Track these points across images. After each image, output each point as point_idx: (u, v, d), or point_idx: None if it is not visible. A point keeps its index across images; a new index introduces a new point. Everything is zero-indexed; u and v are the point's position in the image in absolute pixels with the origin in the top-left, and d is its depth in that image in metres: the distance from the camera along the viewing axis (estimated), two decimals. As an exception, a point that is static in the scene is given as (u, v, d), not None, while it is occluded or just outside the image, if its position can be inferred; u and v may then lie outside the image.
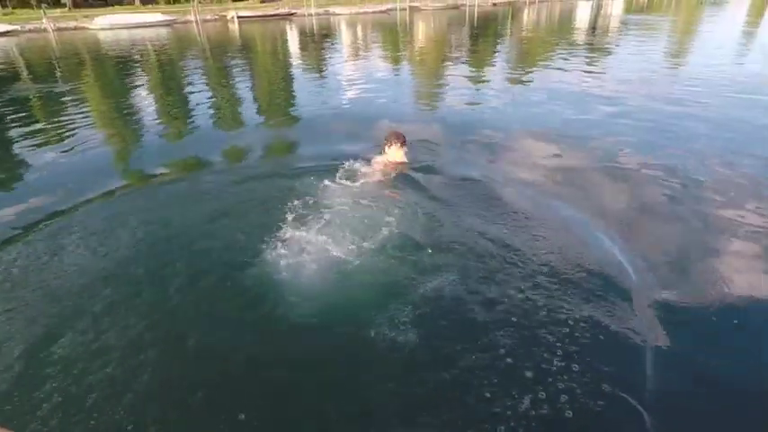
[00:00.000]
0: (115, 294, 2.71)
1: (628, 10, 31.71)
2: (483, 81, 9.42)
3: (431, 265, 2.79)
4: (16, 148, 6.02)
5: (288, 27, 26.82)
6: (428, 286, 2.61)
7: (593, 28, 20.14)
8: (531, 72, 10.04)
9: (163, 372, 2.20)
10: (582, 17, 27.45)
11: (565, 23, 23.59)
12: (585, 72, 9.53)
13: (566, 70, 9.70)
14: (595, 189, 3.99)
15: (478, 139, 5.35)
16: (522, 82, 9.05)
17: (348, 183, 3.91)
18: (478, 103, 7.33)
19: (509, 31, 20.81)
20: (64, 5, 41.30)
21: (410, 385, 2.02)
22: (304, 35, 22.72)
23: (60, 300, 2.68)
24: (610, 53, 12.48)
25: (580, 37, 16.85)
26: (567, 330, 2.26)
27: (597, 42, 15.13)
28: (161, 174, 4.86)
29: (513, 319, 2.34)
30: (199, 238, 3.27)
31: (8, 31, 31.04)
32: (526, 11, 33.68)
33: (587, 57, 11.81)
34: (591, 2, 39.60)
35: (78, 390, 2.08)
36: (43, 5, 35.80)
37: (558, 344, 2.18)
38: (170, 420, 1.96)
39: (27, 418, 1.96)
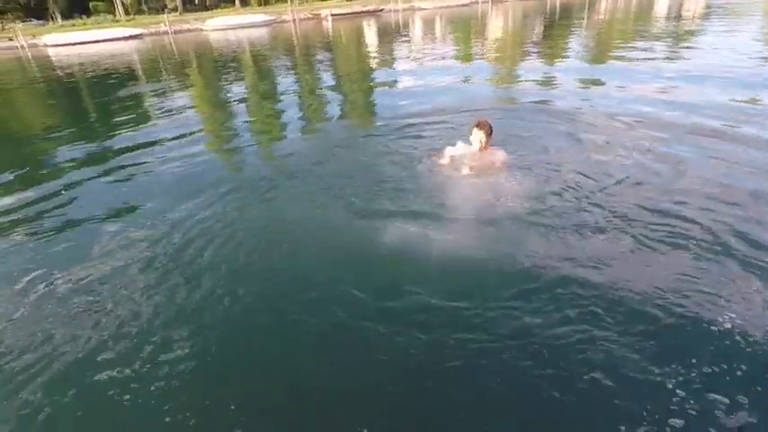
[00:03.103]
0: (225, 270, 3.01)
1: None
2: (567, 71, 9.63)
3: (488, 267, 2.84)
4: (125, 136, 6.89)
5: (366, 24, 29.17)
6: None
7: (677, 16, 20.67)
8: (621, 61, 10.42)
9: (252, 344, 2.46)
10: (662, 3, 27.75)
11: (647, 10, 24.28)
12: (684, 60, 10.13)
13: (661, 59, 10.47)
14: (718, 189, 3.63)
15: (567, 130, 5.32)
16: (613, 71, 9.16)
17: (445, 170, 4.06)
18: (578, 92, 7.43)
19: (597, 19, 21.98)
20: (173, 10, 47.05)
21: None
22: (394, 30, 24.81)
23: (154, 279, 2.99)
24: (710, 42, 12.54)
25: (668, 26, 17.67)
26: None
27: (688, 29, 16.04)
28: (257, 158, 5.48)
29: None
30: (287, 225, 3.59)
31: (137, 35, 36.46)
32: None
33: (685, 45, 12.89)
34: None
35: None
36: (166, 11, 41.37)
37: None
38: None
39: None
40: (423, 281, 2.75)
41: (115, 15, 45.36)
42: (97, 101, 11.00)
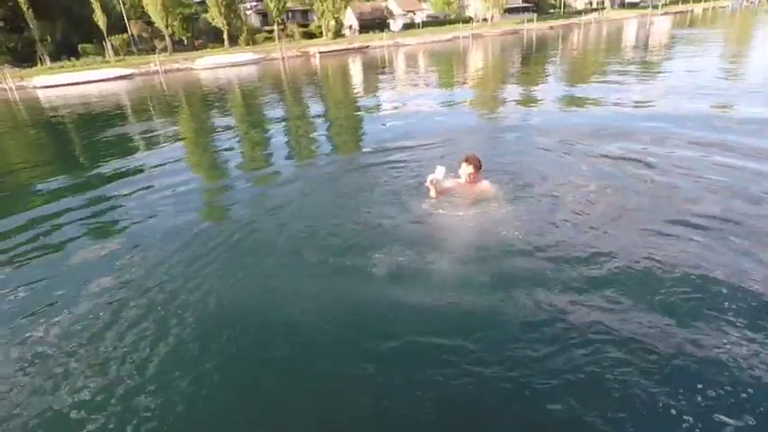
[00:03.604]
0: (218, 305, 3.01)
1: (680, 25, 33.48)
2: (540, 99, 10.00)
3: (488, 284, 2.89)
4: (119, 176, 6.70)
5: (351, 60, 30.44)
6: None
7: (645, 44, 22.17)
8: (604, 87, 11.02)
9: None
10: (631, 34, 29.65)
11: (618, 41, 25.84)
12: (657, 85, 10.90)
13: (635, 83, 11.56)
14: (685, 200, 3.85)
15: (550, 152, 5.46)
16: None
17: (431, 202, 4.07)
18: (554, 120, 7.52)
19: (571, 49, 23.33)
20: (163, 50, 48.24)
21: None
22: (379, 65, 25.75)
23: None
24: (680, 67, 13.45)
25: (638, 53, 18.95)
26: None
27: (657, 56, 17.19)
28: (243, 195, 5.34)
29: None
30: (279, 257, 3.55)
31: (127, 75, 37.05)
32: (576, 31, 36.31)
33: (656, 71, 13.87)
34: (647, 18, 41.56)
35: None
36: (157, 51, 42.40)
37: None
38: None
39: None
40: (419, 315, 2.71)
41: (105, 57, 46.19)
42: (86, 142, 10.81)
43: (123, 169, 7.12)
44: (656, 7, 55.87)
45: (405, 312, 2.76)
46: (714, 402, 2.00)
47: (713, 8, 59.23)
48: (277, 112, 12.76)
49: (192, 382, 2.41)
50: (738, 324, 2.41)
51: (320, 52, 36.04)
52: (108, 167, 7.35)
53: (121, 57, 46.62)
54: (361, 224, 3.94)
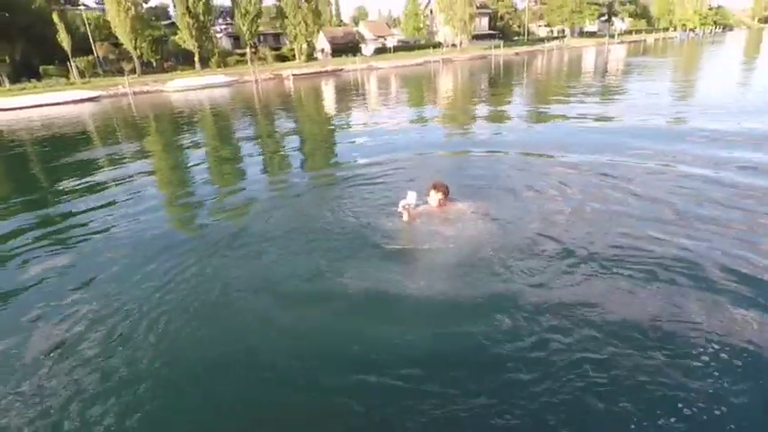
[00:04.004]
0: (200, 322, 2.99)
1: (634, 53, 35.85)
2: (508, 119, 10.40)
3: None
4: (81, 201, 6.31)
5: (324, 83, 30.58)
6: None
7: (604, 69, 23.65)
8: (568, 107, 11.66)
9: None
10: (591, 60, 31.52)
11: (580, 67, 27.36)
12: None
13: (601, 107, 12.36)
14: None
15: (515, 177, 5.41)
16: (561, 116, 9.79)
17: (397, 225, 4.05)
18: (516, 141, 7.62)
19: (536, 73, 24.51)
20: (132, 72, 47.43)
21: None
22: (353, 87, 26.10)
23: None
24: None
25: (599, 77, 20.17)
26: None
27: (617, 82, 18.36)
28: (216, 220, 5.02)
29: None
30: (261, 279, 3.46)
31: (95, 97, 36.04)
32: (540, 57, 38.25)
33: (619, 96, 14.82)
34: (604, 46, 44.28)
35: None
36: (126, 73, 41.63)
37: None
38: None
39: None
40: (393, 337, 2.70)
41: (69, 78, 44.91)
42: (47, 166, 10.21)
43: (90, 199, 6.52)
44: (612, 36, 59.73)
45: (379, 335, 2.73)
46: (708, 405, 2.05)
47: (663, 39, 64.08)
48: (249, 132, 12.68)
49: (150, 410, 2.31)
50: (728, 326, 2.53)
51: (294, 75, 36.30)
52: (72, 197, 6.77)
53: (87, 79, 45.44)
54: (333, 245, 3.88)
